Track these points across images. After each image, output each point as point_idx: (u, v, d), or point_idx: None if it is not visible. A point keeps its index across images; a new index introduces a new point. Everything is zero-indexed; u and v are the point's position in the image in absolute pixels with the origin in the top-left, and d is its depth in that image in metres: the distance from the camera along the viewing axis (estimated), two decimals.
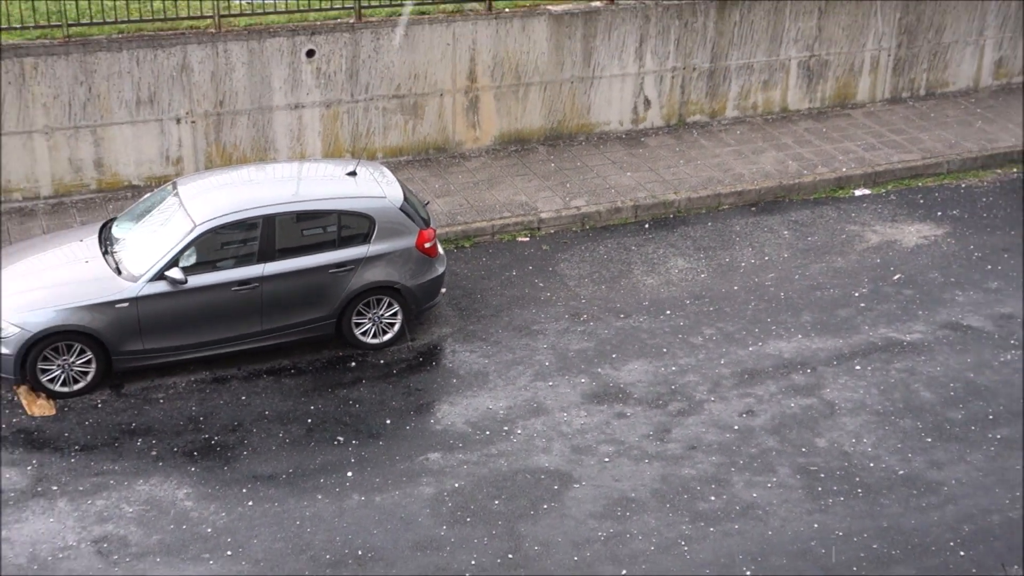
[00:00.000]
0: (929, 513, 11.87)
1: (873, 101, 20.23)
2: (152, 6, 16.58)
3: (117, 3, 16.46)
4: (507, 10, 17.59)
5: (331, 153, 17.29)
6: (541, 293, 15.12)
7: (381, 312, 13.85)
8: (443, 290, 14.36)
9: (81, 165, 16.22)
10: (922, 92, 20.52)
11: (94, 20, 16.05)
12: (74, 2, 16.12)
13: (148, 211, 13.66)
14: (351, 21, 16.86)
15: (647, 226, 16.72)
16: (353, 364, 13.75)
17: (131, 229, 13.53)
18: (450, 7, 17.46)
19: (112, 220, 13.98)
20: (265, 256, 13.16)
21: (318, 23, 16.74)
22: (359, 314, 13.75)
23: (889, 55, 20.00)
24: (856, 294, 15.33)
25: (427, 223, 13.98)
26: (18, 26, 15.79)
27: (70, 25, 15.83)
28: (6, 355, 12.57)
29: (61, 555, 11.02)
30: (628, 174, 17.56)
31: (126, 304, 12.77)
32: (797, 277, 15.64)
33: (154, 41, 16.00)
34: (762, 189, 17.47)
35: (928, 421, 13.12)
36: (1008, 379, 13.82)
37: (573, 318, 14.65)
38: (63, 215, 15.89)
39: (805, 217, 17.09)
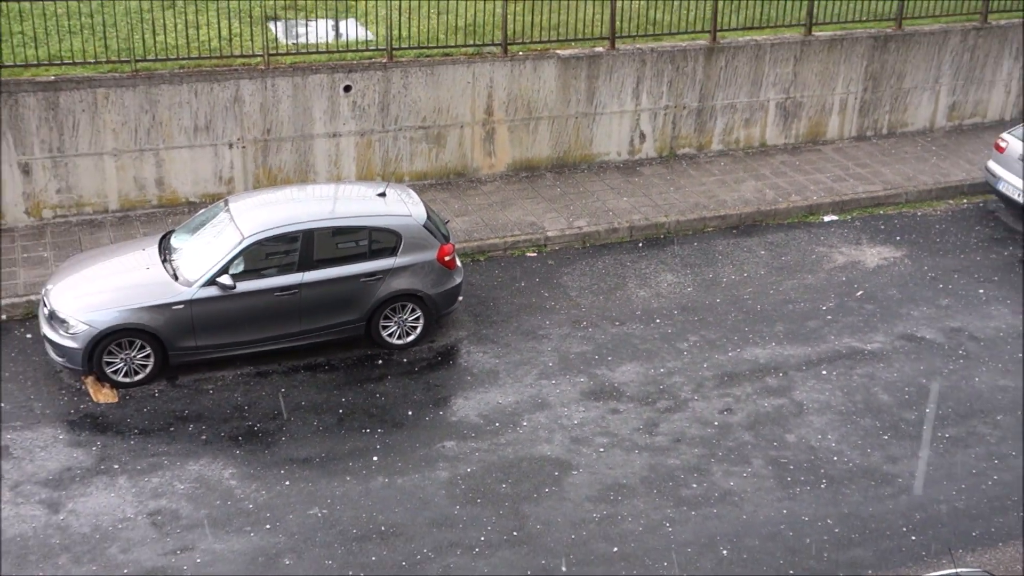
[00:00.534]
0: (885, 502, 11.85)
1: (841, 138, 20.19)
2: (210, 45, 16.60)
3: (179, 42, 16.49)
4: (520, 53, 17.60)
5: (364, 176, 17.30)
6: (546, 302, 15.09)
7: (405, 316, 13.84)
8: (460, 298, 14.34)
9: (144, 183, 16.24)
10: (884, 131, 20.48)
11: (158, 57, 16.08)
12: (141, 40, 16.17)
13: (202, 224, 13.67)
14: (383, 61, 16.88)
15: (640, 245, 16.69)
16: (380, 362, 13.74)
17: (187, 240, 13.54)
18: (470, 50, 17.47)
19: (171, 232, 14.00)
20: (304, 266, 13.17)
21: (354, 62, 16.76)
22: (386, 318, 13.74)
23: (856, 98, 19.97)
24: (823, 308, 15.28)
25: (447, 239, 13.98)
26: (92, 60, 15.82)
27: (137, 61, 15.86)
28: (75, 349, 12.59)
29: (120, 526, 11.04)
30: (624, 199, 17.54)
31: (182, 306, 12.78)
32: (772, 292, 15.60)
33: (211, 76, 16.03)
34: (742, 214, 17.43)
35: (885, 420, 13.08)
36: (956, 385, 13.78)
37: (574, 325, 14.62)
38: (128, 227, 15.91)
39: (780, 239, 17.05)
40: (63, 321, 12.64)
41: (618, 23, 18.21)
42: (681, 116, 18.90)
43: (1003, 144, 17.83)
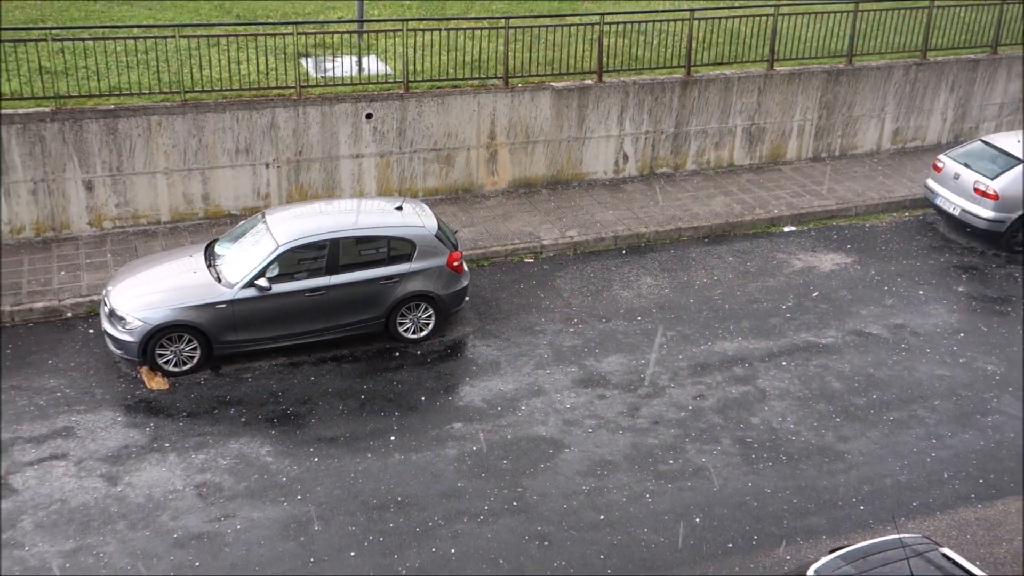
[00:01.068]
0: (837, 476, 11.83)
1: (799, 159, 20.19)
2: (249, 78, 16.60)
3: (222, 75, 16.49)
4: (519, 85, 17.60)
5: (383, 192, 17.30)
6: (542, 302, 15.08)
7: (419, 314, 13.83)
8: (467, 298, 14.34)
9: (192, 198, 16.24)
10: (837, 153, 20.47)
11: (204, 88, 16.08)
12: (189, 74, 16.18)
13: (242, 234, 13.67)
14: (400, 92, 16.87)
15: (624, 252, 16.68)
16: (397, 354, 13.72)
17: (229, 247, 13.53)
18: (476, 82, 17.47)
19: (215, 240, 13.99)
20: (331, 270, 13.16)
21: (375, 93, 16.76)
22: (402, 316, 13.73)
23: (812, 124, 19.96)
24: (783, 307, 15.27)
25: (456, 247, 13.97)
26: (147, 92, 15.84)
27: (186, 92, 15.88)
28: (131, 342, 12.60)
29: (171, 496, 11.04)
30: (610, 212, 17.53)
31: (224, 305, 12.78)
32: (738, 293, 15.59)
33: (250, 105, 16.04)
34: (713, 225, 17.42)
35: (837, 405, 13.07)
36: (899, 374, 13.76)
37: (566, 322, 14.61)
38: (178, 236, 15.91)
39: (746, 247, 17.04)
40: (121, 318, 12.65)
41: (605, 59, 18.22)
42: (659, 140, 18.90)
43: (940, 165, 17.83)
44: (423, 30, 17.87)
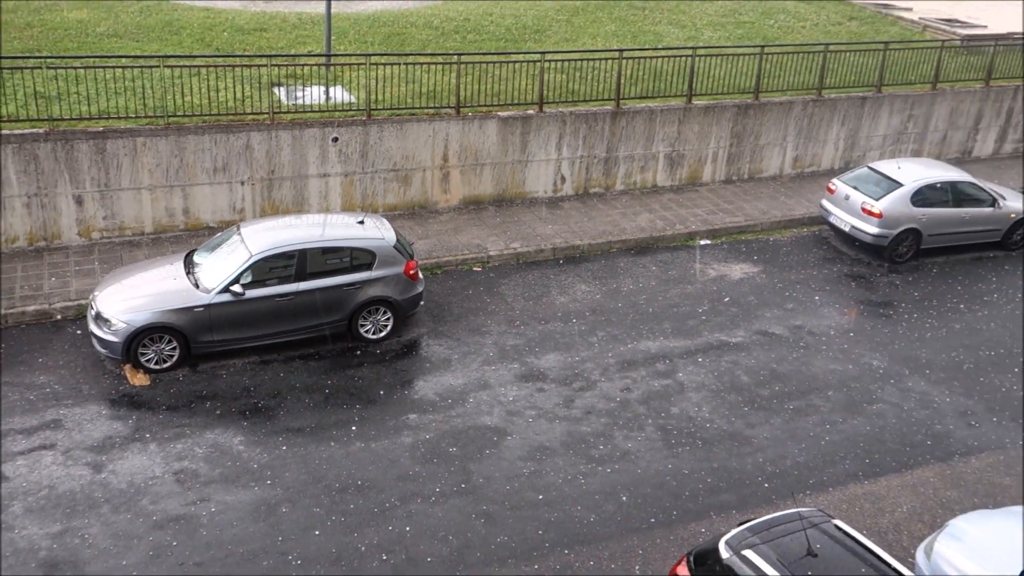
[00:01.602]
0: (745, 458, 11.84)
1: (713, 182, 20.29)
2: (227, 104, 16.24)
3: (202, 101, 16.11)
4: (470, 114, 17.45)
5: (347, 208, 17.03)
6: (488, 306, 14.93)
7: (379, 317, 13.60)
8: (422, 303, 14.13)
9: (174, 212, 15.83)
10: (746, 177, 20.62)
11: (186, 113, 15.69)
12: (172, 100, 15.79)
13: (219, 244, 13.34)
14: (363, 119, 16.63)
15: (561, 262, 16.60)
16: (358, 353, 13.48)
17: (207, 257, 13.19)
18: (431, 111, 17.29)
19: (194, 250, 13.64)
20: (300, 277, 12.89)
21: (341, 119, 16.50)
22: (363, 318, 13.50)
23: (724, 151, 20.09)
24: (699, 310, 15.30)
25: (412, 257, 13.77)
26: (133, 115, 15.42)
27: (169, 116, 15.49)
28: (116, 342, 12.23)
29: (151, 482, 10.71)
30: (549, 226, 17.45)
31: (202, 309, 12.45)
32: (661, 298, 15.58)
33: (227, 128, 15.69)
34: (639, 239, 17.41)
35: (745, 396, 13.10)
36: (798, 368, 13.84)
37: (510, 323, 14.48)
38: (160, 246, 15.49)
39: (667, 258, 17.06)
40: (107, 320, 12.26)
41: (545, 92, 18.14)
42: (593, 163, 18.87)
43: (833, 187, 18.02)
44: (384, 64, 17.65)
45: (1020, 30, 25.80)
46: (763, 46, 20.07)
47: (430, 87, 17.98)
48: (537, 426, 12.14)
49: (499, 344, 13.90)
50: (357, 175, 16.90)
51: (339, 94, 17.62)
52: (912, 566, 9.92)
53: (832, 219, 17.88)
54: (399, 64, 17.85)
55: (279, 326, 12.95)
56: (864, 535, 10.15)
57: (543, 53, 18.14)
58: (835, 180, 18.11)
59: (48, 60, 15.82)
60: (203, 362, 12.90)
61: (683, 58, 19.59)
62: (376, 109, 16.86)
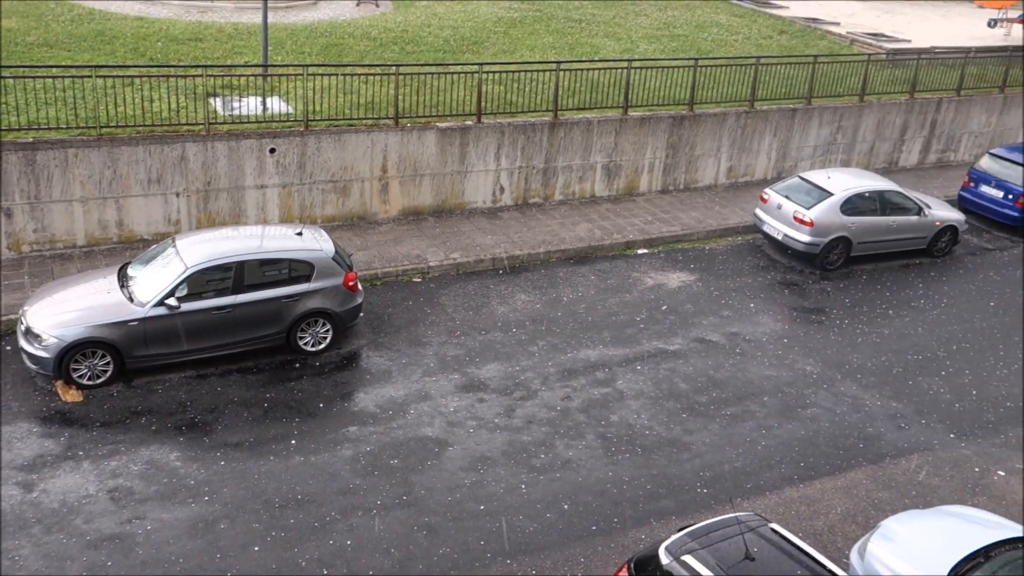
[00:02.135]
0: (684, 464, 11.96)
1: (650, 192, 20.53)
2: (161, 115, 15.93)
3: (136, 112, 15.79)
4: (408, 125, 17.39)
5: (285, 219, 16.82)
6: (428, 317, 14.88)
7: (318, 329, 13.46)
8: (361, 314, 14.02)
9: (107, 224, 15.47)
10: (682, 187, 20.91)
11: (119, 124, 15.36)
12: (105, 110, 15.44)
13: (154, 257, 13.06)
14: (301, 129, 16.47)
15: (501, 272, 16.62)
16: (297, 365, 13.31)
17: (141, 270, 12.91)
18: (369, 122, 17.19)
19: (128, 263, 13.33)
20: (237, 289, 12.69)
21: (278, 130, 16.31)
22: (302, 331, 13.34)
23: (660, 162, 20.34)
24: (638, 318, 15.44)
25: (351, 268, 13.66)
26: (64, 126, 15.03)
27: (102, 127, 15.14)
28: (47, 358, 11.87)
29: (84, 500, 10.41)
30: (489, 237, 17.46)
31: (136, 323, 12.17)
32: (600, 307, 15.69)
33: (162, 139, 15.40)
34: (578, 248, 17.52)
35: (684, 403, 13.24)
36: (734, 375, 14.04)
37: (450, 334, 14.44)
38: (93, 259, 15.12)
39: (605, 267, 17.19)
40: (37, 336, 11.91)
41: (483, 103, 18.18)
42: (531, 174, 18.95)
43: (766, 197, 18.37)
44: (322, 74, 17.51)
45: (942, 44, 26.66)
46: (697, 59, 20.39)
47: (368, 98, 17.89)
48: (478, 436, 12.11)
49: (439, 355, 13.84)
50: (295, 186, 16.71)
51: (276, 105, 17.43)
52: (846, 567, 10.12)
53: (766, 228, 18.21)
54: (337, 75, 17.72)
55: (216, 339, 12.72)
56: (800, 538, 10.34)
57: (481, 64, 18.18)
58: (768, 190, 18.45)
59: None
60: (138, 377, 12.60)
61: (619, 70, 19.81)
62: (314, 120, 16.71)
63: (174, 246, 12.98)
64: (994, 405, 13.88)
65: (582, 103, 19.35)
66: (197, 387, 12.57)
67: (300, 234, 13.55)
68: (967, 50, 25.35)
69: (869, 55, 23.53)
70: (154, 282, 12.49)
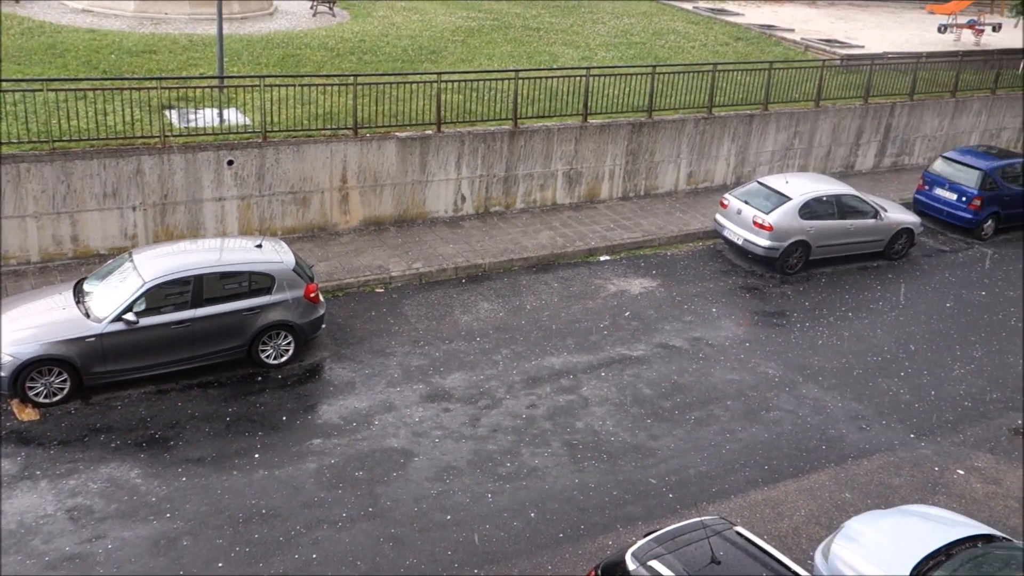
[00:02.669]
0: (649, 470, 12.05)
1: (611, 199, 20.69)
2: (115, 128, 15.77)
3: (89, 126, 15.61)
4: (368, 135, 17.38)
5: (244, 232, 16.71)
6: (392, 327, 14.86)
7: (280, 342, 13.38)
8: (323, 326, 13.96)
9: (61, 240, 15.26)
10: (642, 193, 21.09)
11: (72, 138, 15.18)
12: (58, 124, 15.25)
13: (111, 272, 12.91)
14: (259, 141, 16.39)
15: (464, 281, 16.64)
16: (259, 378, 13.22)
17: (97, 285, 12.75)
18: (328, 132, 17.15)
19: (84, 279, 13.17)
20: (196, 303, 12.58)
21: (236, 141, 16.22)
22: (264, 343, 13.26)
23: (621, 169, 20.51)
24: (601, 325, 15.54)
25: (312, 280, 13.61)
26: (15, 140, 14.82)
27: (55, 141, 14.96)
28: (2, 376, 11.68)
29: (42, 521, 10.24)
30: (451, 246, 17.49)
31: (93, 339, 12.02)
32: (563, 314, 15.78)
33: (117, 153, 15.24)
34: (540, 256, 17.60)
35: (648, 408, 13.34)
36: (698, 380, 14.18)
37: (414, 344, 14.43)
38: (48, 275, 14.90)
39: (568, 275, 17.29)
40: None
41: (443, 112, 18.22)
42: (492, 182, 19.01)
43: (726, 202, 18.60)
44: (279, 85, 17.45)
45: (894, 50, 27.21)
46: (655, 66, 20.61)
47: (327, 108, 17.85)
48: (444, 446, 12.11)
49: (403, 365, 13.83)
50: (254, 198, 16.61)
51: (233, 116, 17.33)
52: (811, 568, 10.27)
53: (726, 233, 18.43)
54: (294, 86, 17.67)
55: (176, 354, 12.60)
56: (765, 540, 10.47)
57: (440, 74, 18.23)
58: (727, 195, 18.68)
59: None
60: (96, 394, 12.43)
61: (578, 78, 19.97)
62: (272, 131, 16.64)
63: (131, 260, 12.85)
64: (952, 405, 14.16)
65: (542, 111, 19.47)
66: (157, 403, 12.44)
67: (260, 246, 13.47)
68: (919, 55, 25.93)
69: (824, 61, 23.96)
70: (111, 297, 12.35)
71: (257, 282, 13.00)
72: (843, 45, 27.58)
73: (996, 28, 32.72)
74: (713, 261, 18.46)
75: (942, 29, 31.79)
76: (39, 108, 15.50)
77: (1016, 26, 33.36)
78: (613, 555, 8.99)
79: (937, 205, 21.24)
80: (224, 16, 20.15)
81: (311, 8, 26.93)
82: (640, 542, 8.92)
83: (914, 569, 9.38)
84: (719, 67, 21.56)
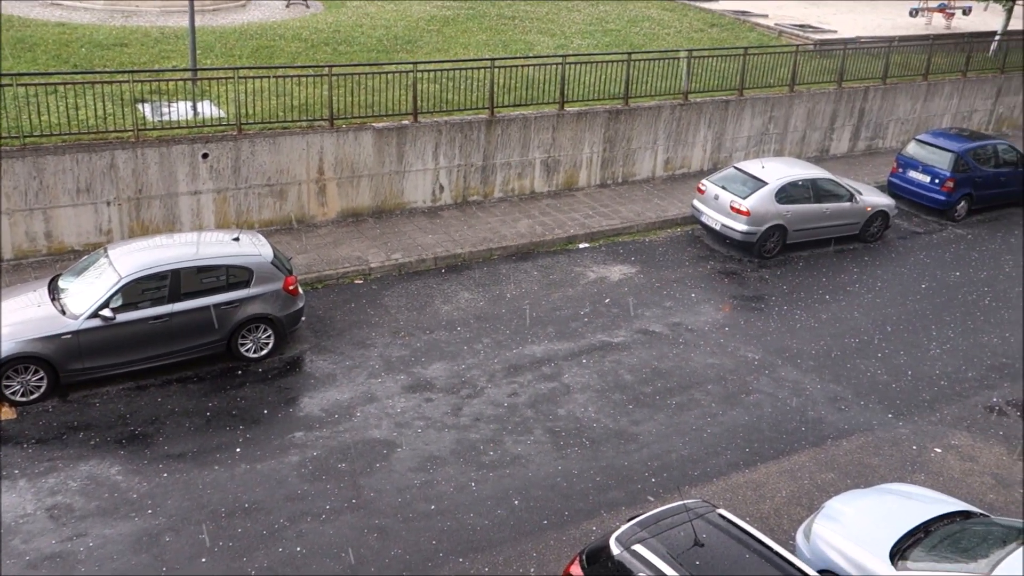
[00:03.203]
0: (632, 455, 12.08)
1: (589, 186, 20.69)
2: (88, 123, 15.57)
3: (61, 120, 15.41)
4: (344, 126, 17.26)
5: (221, 225, 16.57)
6: (372, 319, 14.79)
7: (259, 335, 13.29)
8: (303, 318, 13.88)
9: (35, 236, 15.07)
10: (620, 180, 21.10)
11: (44, 133, 14.97)
12: (28, 120, 15.03)
13: (86, 268, 12.76)
14: (234, 134, 16.24)
15: (443, 271, 16.60)
16: (240, 372, 13.13)
17: (73, 281, 12.60)
18: (304, 124, 17.03)
19: (59, 275, 13.00)
20: (174, 298, 12.46)
21: (210, 134, 16.06)
22: (243, 337, 13.16)
23: (598, 156, 20.51)
24: (582, 312, 15.55)
25: (290, 272, 13.52)
26: None
27: (25, 136, 14.75)
28: None
29: (22, 520, 10.13)
30: (430, 236, 17.42)
31: (70, 336, 11.88)
32: (544, 302, 15.77)
33: (90, 147, 15.04)
34: (519, 244, 17.58)
35: (629, 394, 13.37)
36: (678, 364, 14.23)
37: (394, 335, 14.38)
38: (22, 272, 14.71)
39: (548, 263, 17.28)
40: None
41: (419, 102, 18.13)
42: (470, 172, 18.95)
43: (703, 188, 18.64)
44: (253, 77, 17.28)
45: (867, 34, 27.35)
46: (630, 53, 20.60)
47: (302, 100, 17.71)
48: (426, 436, 12.09)
49: (384, 356, 13.78)
50: (230, 191, 16.47)
51: (207, 109, 17.15)
52: (793, 548, 10.34)
53: (704, 218, 18.48)
54: (269, 77, 17.51)
55: (154, 350, 12.48)
56: (747, 522, 10.53)
57: (415, 63, 18.13)
58: (704, 181, 18.73)
59: None
60: (74, 391, 12.30)
61: (554, 66, 19.92)
62: (247, 123, 16.48)
63: (107, 256, 12.70)
64: (929, 384, 14.29)
65: (518, 100, 19.41)
66: (136, 399, 12.32)
67: (237, 239, 13.36)
68: (891, 39, 26.06)
69: (797, 46, 24.03)
70: (87, 294, 12.20)
71: (235, 276, 12.89)
72: (816, 30, 27.68)
73: (967, 11, 32.96)
74: (691, 247, 18.51)
75: (914, 13, 31.99)
76: (8, 104, 15.28)
77: (986, 9, 33.63)
78: (597, 540, 9.00)
79: (911, 187, 21.40)
80: (196, 8, 19.94)
81: None
82: (624, 527, 8.94)
83: (894, 546, 9.47)
84: (694, 53, 21.57)
